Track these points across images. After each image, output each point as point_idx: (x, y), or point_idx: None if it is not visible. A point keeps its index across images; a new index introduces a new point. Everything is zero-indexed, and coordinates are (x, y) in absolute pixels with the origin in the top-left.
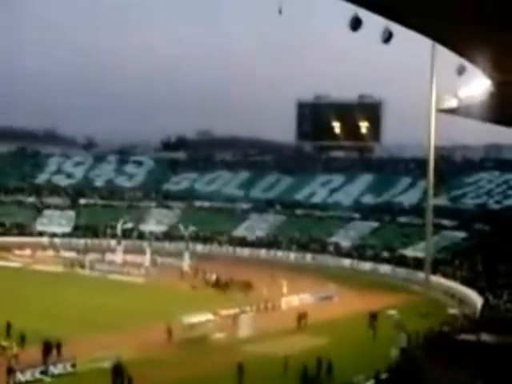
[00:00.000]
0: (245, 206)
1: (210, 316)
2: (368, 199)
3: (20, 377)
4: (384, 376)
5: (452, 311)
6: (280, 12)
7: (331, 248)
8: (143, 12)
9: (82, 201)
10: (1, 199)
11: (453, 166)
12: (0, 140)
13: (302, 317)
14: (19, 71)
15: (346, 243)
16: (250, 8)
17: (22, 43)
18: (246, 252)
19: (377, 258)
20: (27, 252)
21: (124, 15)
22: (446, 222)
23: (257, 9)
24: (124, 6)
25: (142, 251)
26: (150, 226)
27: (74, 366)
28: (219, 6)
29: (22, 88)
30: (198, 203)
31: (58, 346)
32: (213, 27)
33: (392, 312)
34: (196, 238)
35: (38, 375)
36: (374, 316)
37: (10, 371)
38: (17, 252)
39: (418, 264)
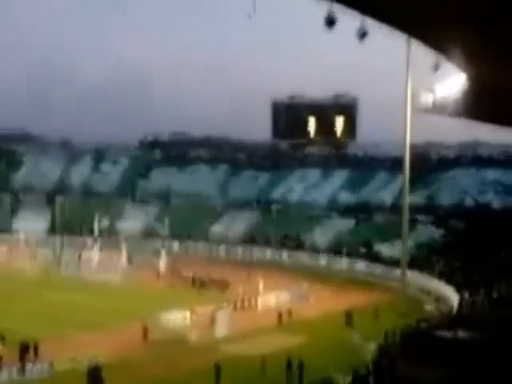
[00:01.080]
0: (221, 203)
1: (187, 315)
2: (344, 197)
3: None
4: (362, 373)
5: (428, 308)
6: (250, 16)
7: (308, 245)
8: (117, 16)
9: (58, 199)
10: None
11: (428, 163)
12: None
13: (282, 315)
14: None
15: (322, 240)
16: (224, 10)
17: None
18: (222, 250)
19: (353, 256)
20: (3, 250)
21: (97, 18)
22: (422, 219)
23: (230, 10)
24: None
25: (118, 250)
26: (127, 225)
27: (51, 366)
28: (192, 9)
29: None
30: (174, 201)
31: (35, 347)
32: (185, 29)
33: None
34: (172, 236)
35: (14, 376)
36: (350, 315)
37: None
38: None
39: (394, 261)
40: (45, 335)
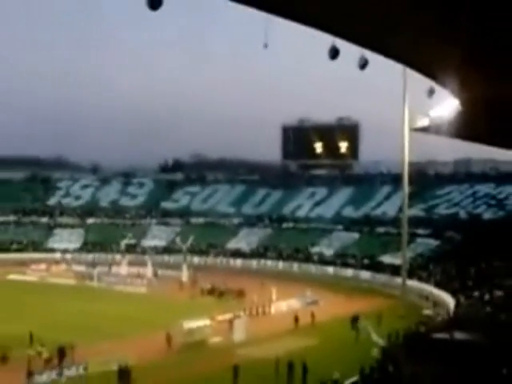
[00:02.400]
0: (236, 221)
1: (207, 322)
2: (349, 212)
3: (38, 379)
4: (367, 372)
5: (427, 312)
6: (265, 46)
7: (316, 257)
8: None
9: (90, 220)
10: (18, 220)
11: (426, 180)
12: (15, 168)
13: (299, 319)
14: (31, 103)
15: (329, 252)
16: (238, 40)
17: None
18: (238, 263)
19: (358, 266)
20: (42, 267)
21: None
22: (420, 231)
23: (244, 41)
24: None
25: (144, 264)
26: (151, 241)
27: (85, 368)
28: (206, 35)
29: (33, 119)
30: (194, 220)
31: (71, 352)
32: (199, 55)
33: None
34: (193, 251)
35: (54, 377)
36: (355, 319)
37: (30, 374)
38: (33, 267)
39: (395, 270)
40: (78, 342)
